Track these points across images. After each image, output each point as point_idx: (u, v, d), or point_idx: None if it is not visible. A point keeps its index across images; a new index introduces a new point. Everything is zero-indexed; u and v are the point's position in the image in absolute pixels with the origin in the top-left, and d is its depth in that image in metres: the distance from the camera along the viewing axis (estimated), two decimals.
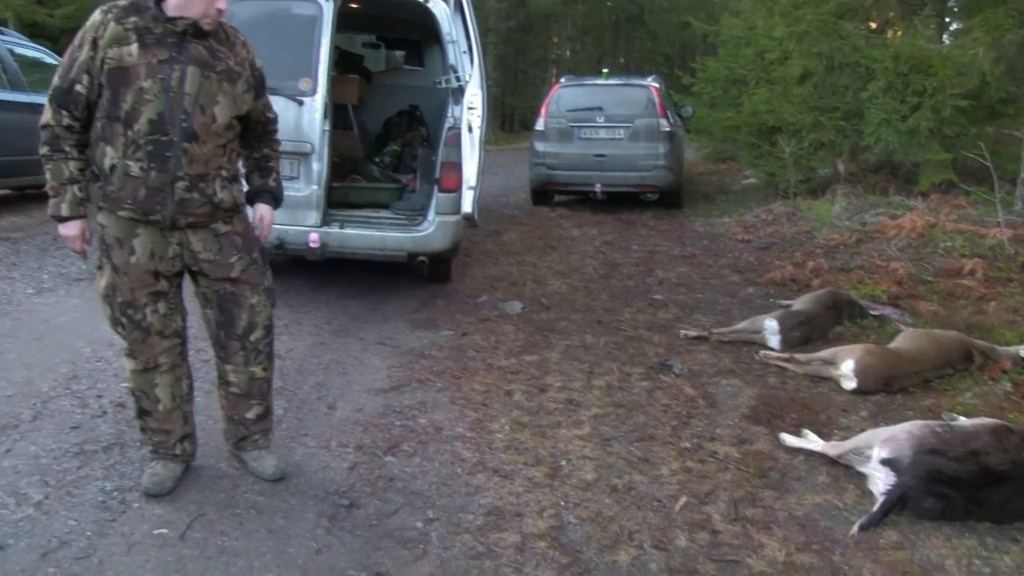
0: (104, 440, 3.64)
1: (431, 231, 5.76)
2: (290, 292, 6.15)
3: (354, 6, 6.45)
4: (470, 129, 5.24)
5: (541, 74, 38.24)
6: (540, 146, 11.32)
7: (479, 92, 5.26)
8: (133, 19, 2.78)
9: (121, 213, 2.88)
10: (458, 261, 6.96)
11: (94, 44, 2.77)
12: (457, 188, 5.78)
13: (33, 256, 7.00)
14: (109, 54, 2.75)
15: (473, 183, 5.18)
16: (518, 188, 13.28)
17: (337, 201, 6.07)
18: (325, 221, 5.68)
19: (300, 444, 3.73)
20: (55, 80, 2.86)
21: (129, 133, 2.79)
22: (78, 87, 2.81)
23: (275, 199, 3.34)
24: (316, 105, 5.59)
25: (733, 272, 7.73)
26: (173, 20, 2.79)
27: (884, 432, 3.52)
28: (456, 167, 5.74)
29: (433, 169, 5.89)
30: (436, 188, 5.77)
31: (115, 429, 3.76)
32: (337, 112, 6.52)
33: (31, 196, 9.32)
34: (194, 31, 2.82)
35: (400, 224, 5.92)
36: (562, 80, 12.19)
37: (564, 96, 11.55)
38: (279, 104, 5.53)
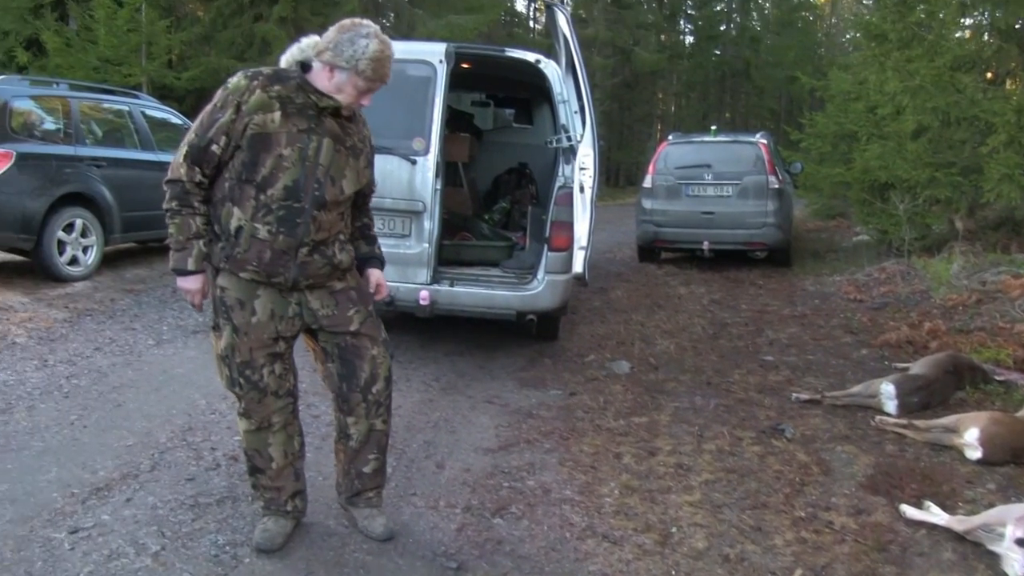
0: (217, 493, 3.72)
1: (540, 290, 5.76)
2: (399, 348, 6.22)
3: (465, 66, 6.58)
4: (582, 189, 5.25)
5: (646, 129, 38.30)
6: (647, 203, 11.27)
7: (591, 152, 5.28)
8: (277, 88, 2.89)
9: (243, 275, 2.97)
10: (565, 319, 6.93)
11: (237, 108, 2.86)
12: (567, 247, 5.78)
13: (153, 308, 7.29)
14: (254, 120, 2.85)
15: (584, 243, 5.18)
16: (624, 244, 13.23)
17: (447, 259, 6.15)
18: (435, 279, 5.75)
19: (408, 503, 3.73)
20: (191, 137, 2.93)
21: (262, 197, 2.89)
22: (214, 147, 2.89)
23: (381, 264, 3.46)
24: (429, 164, 5.69)
25: (846, 333, 7.48)
26: (320, 96, 2.90)
27: (1018, 509, 3.32)
28: (566, 226, 5.74)
29: (543, 228, 5.91)
30: (546, 247, 5.79)
31: (228, 482, 3.83)
32: (447, 170, 6.63)
33: (153, 249, 9.75)
34: (334, 110, 2.95)
35: (509, 283, 5.95)
36: (670, 137, 12.15)
37: (672, 153, 11.51)
38: (392, 163, 5.73)
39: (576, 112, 5.80)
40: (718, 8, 39.47)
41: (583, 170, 5.25)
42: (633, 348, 6.68)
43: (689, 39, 40.92)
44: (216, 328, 3.08)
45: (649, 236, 11.35)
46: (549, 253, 5.78)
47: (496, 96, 8.80)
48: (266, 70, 2.95)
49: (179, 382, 5.31)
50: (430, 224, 5.71)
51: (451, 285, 5.79)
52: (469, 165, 7.77)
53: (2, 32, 18.96)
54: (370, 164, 3.21)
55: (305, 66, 2.97)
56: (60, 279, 8.00)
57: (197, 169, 2.93)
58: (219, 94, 2.93)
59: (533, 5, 42.96)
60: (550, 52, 6.68)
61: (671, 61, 35.76)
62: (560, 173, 5.84)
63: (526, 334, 6.79)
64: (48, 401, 4.87)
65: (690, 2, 39.06)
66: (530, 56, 6.09)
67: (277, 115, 2.87)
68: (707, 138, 11.88)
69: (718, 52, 39.51)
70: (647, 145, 35.44)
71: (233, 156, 2.91)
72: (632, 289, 9.50)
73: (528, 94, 8.24)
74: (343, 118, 3.01)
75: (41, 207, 7.74)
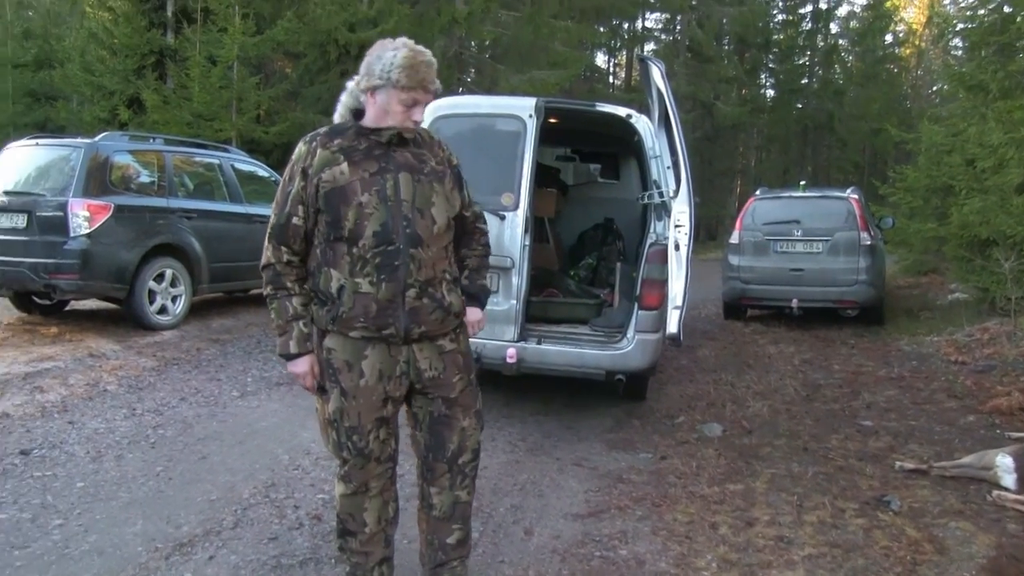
0: (300, 554, 3.64)
1: (630, 349, 5.60)
2: (484, 406, 6.08)
3: (553, 121, 6.53)
4: (676, 247, 5.10)
5: (728, 184, 37.93)
6: (734, 259, 11.03)
7: (687, 209, 5.13)
8: (337, 141, 2.85)
9: (352, 334, 2.87)
10: (653, 378, 6.74)
11: (304, 174, 2.84)
12: (658, 305, 5.62)
13: (238, 359, 7.33)
14: (323, 177, 2.80)
15: (679, 303, 5.01)
16: (708, 301, 12.96)
17: (534, 316, 6.04)
18: (523, 336, 5.64)
19: (496, 571, 3.59)
20: (272, 218, 2.91)
21: (355, 250, 2.80)
22: (295, 220, 2.86)
23: (481, 301, 3.28)
24: (518, 220, 5.62)
25: (949, 397, 7.10)
26: (378, 131, 2.84)
27: None
28: (658, 284, 5.59)
29: (633, 285, 5.77)
30: (636, 305, 5.64)
31: (311, 543, 3.75)
32: (533, 225, 6.55)
33: (239, 300, 9.89)
34: (397, 140, 2.86)
35: (599, 341, 5.80)
36: (757, 192, 11.91)
37: (760, 209, 11.26)
38: None
39: (669, 168, 5.67)
40: (800, 62, 39.05)
41: (678, 227, 5.11)
42: (724, 410, 6.44)
43: (770, 92, 40.60)
44: (323, 391, 2.97)
45: (736, 293, 11.09)
46: (640, 311, 5.63)
47: (581, 151, 8.73)
48: (323, 129, 2.93)
49: (263, 435, 5.28)
50: (518, 280, 5.62)
51: (539, 343, 5.67)
52: (555, 220, 7.68)
53: (108, 92, 19.85)
54: (459, 185, 3.07)
55: (358, 113, 2.92)
56: (150, 328, 8.15)
57: (284, 248, 2.90)
58: (286, 169, 2.93)
59: (613, 60, 43.22)
60: (639, 107, 6.58)
61: (752, 115, 35.44)
62: (652, 230, 5.71)
63: (613, 393, 6.61)
64: (135, 451, 4.89)
65: (771, 56, 38.81)
66: (621, 111, 6.01)
67: (344, 166, 2.82)
68: (796, 193, 11.61)
69: (800, 105, 39.01)
70: (728, 199, 35.12)
71: (316, 221, 2.87)
72: (720, 347, 9.26)
73: (615, 149, 8.15)
74: (413, 146, 2.93)
75: (134, 257, 7.93)
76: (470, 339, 3.20)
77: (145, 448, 4.95)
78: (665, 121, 5.67)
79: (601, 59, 40.36)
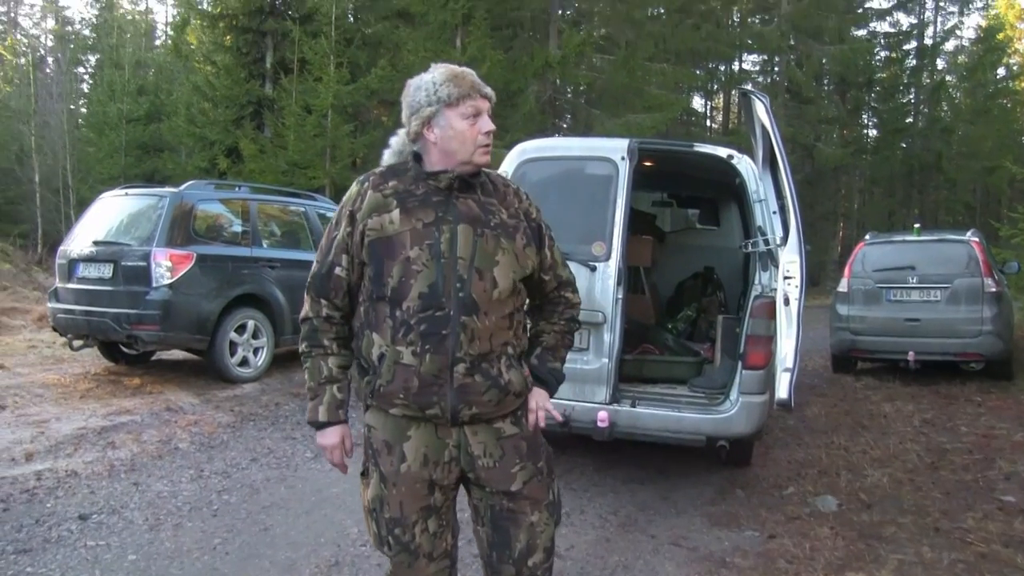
0: None
1: (734, 413, 5.07)
2: (572, 473, 5.64)
3: (648, 164, 6.11)
4: (786, 301, 4.55)
5: (830, 228, 36.65)
6: (843, 309, 10.30)
7: (797, 259, 4.58)
8: (392, 183, 2.46)
9: (393, 411, 2.45)
10: (758, 442, 6.14)
11: (351, 219, 2.46)
12: (764, 364, 5.09)
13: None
14: (369, 224, 2.41)
15: (790, 364, 4.44)
16: (814, 352, 12.20)
17: (628, 375, 5.55)
18: (615, 398, 5.16)
19: None
20: (313, 266, 2.54)
21: (398, 313, 2.38)
22: (337, 270, 2.48)
23: (540, 378, 2.67)
24: (610, 271, 5.18)
25: None
26: (435, 175, 2.43)
27: None
28: (764, 341, 5.06)
29: (737, 342, 5.25)
30: (740, 364, 5.11)
31: None
32: (627, 275, 6.11)
33: None
34: (459, 184, 2.44)
35: (699, 404, 5.28)
36: (867, 237, 11.15)
37: (870, 254, 10.52)
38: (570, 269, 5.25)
39: (775, 212, 5.16)
40: (905, 100, 37.69)
41: (788, 279, 4.56)
42: (839, 479, 5.79)
43: (873, 132, 39.31)
44: (364, 474, 2.58)
45: (845, 345, 10.33)
46: (744, 371, 5.10)
47: (678, 195, 8.25)
48: (380, 168, 2.55)
49: (331, 504, 4.91)
50: (610, 337, 5.16)
51: (633, 405, 5.18)
52: (651, 270, 7.20)
53: (209, 142, 20.36)
54: (535, 242, 2.55)
55: (419, 155, 2.51)
56: (230, 380, 7.98)
57: (324, 301, 2.51)
58: (336, 212, 2.56)
59: (710, 104, 42.60)
60: (740, 148, 6.09)
61: (854, 156, 34.28)
62: (757, 281, 5.20)
63: (714, 459, 6.04)
64: (196, 519, 4.59)
65: (874, 94, 37.60)
66: (721, 151, 5.55)
67: (395, 213, 2.41)
68: (910, 237, 10.82)
69: (904, 145, 37.57)
70: (831, 244, 33.89)
71: (362, 274, 2.47)
72: (829, 405, 8.55)
73: (714, 193, 7.65)
74: (481, 193, 2.49)
75: (216, 308, 7.78)
76: (541, 419, 2.65)
77: (206, 516, 4.64)
78: (771, 161, 5.16)
79: (698, 102, 39.82)
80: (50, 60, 36.38)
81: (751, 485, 5.67)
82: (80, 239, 8.26)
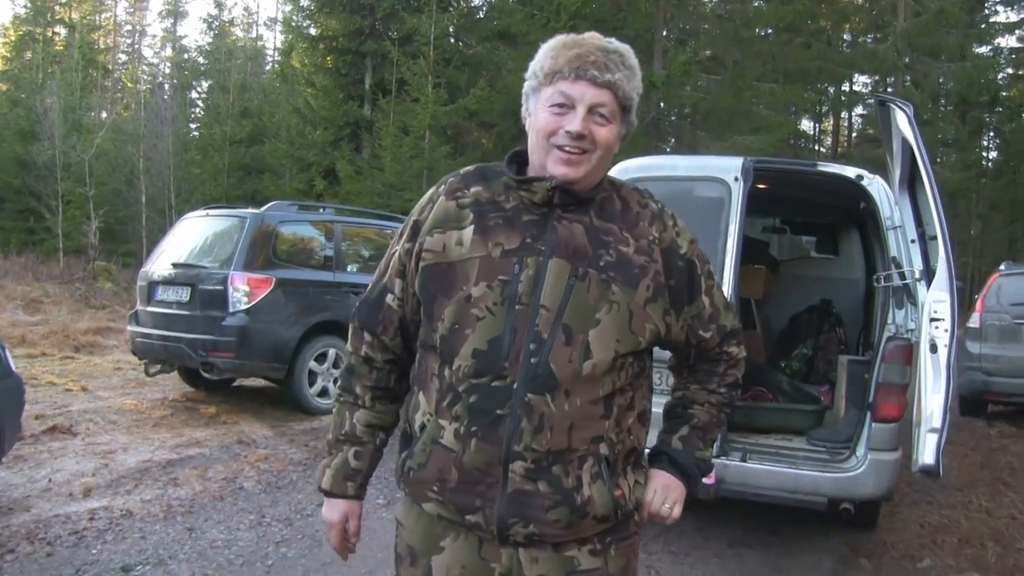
0: None
1: (861, 472, 4.37)
2: (671, 533, 4.98)
3: (761, 186, 5.47)
4: (933, 348, 3.84)
5: None
6: (974, 347, 9.32)
7: (946, 298, 3.85)
8: (476, 189, 1.77)
9: (426, 506, 1.76)
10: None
11: (414, 232, 1.79)
12: (898, 417, 4.38)
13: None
14: (428, 243, 1.74)
15: (938, 423, 3.71)
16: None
17: (737, 424, 4.89)
18: (723, 450, 4.52)
19: None
20: (366, 289, 1.93)
21: (446, 373, 1.70)
22: (388, 298, 1.83)
23: (681, 468, 1.88)
24: None
25: None
26: (528, 183, 1.71)
27: None
28: (899, 390, 4.36)
29: (864, 389, 4.55)
30: (869, 415, 4.42)
31: None
32: (739, 310, 5.48)
33: None
34: (564, 199, 1.71)
35: (820, 459, 4.59)
36: (1002, 268, 10.13)
37: (1006, 287, 9.50)
38: None
39: (913, 242, 4.46)
40: None
41: (935, 321, 3.85)
42: (985, 552, 4.97)
43: (994, 155, 37.27)
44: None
45: (977, 387, 9.34)
46: (874, 424, 4.40)
47: (792, 221, 7.55)
48: (469, 168, 1.86)
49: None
50: None
51: (743, 459, 4.54)
52: (762, 302, 6.51)
53: (307, 164, 20.46)
54: (667, 295, 1.76)
55: (522, 154, 1.80)
56: (308, 412, 7.63)
57: (367, 336, 1.86)
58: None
59: (818, 127, 41.17)
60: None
61: (974, 180, 32.49)
62: (890, 320, 4.51)
63: (832, 519, 5.31)
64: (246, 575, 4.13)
65: (996, 114, 35.64)
66: (849, 171, 4.89)
67: (468, 232, 1.71)
68: None
69: None
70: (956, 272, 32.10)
71: (419, 310, 1.80)
72: (961, 455, 7.64)
73: (831, 218, 6.94)
74: (593, 215, 1.74)
75: (295, 335, 7.45)
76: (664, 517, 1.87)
77: (258, 573, 4.17)
78: (909, 182, 4.47)
79: (807, 125, 38.52)
80: (166, 86, 37.58)
81: (878, 553, 4.93)
82: (161, 261, 8.05)
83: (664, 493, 1.85)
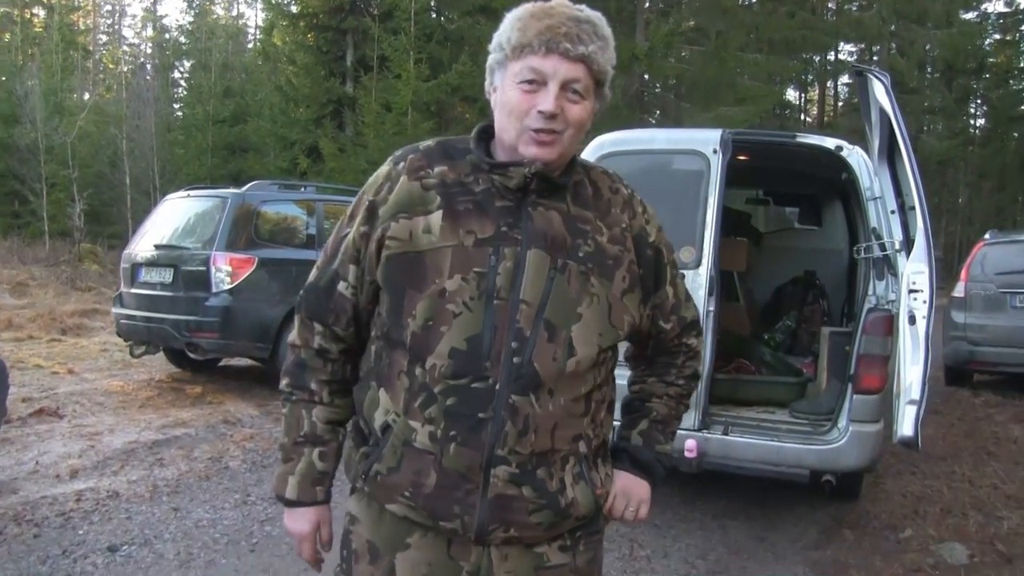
0: None
1: (843, 443, 4.38)
2: (655, 506, 4.95)
3: (742, 158, 5.45)
4: (912, 320, 3.83)
5: (935, 224, 35.00)
6: (959, 316, 9.34)
7: (924, 269, 3.83)
8: (440, 169, 1.61)
9: (391, 507, 1.62)
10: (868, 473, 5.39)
11: (370, 214, 1.62)
12: (879, 388, 4.39)
13: None
14: (393, 230, 1.57)
15: (917, 395, 3.71)
16: None
17: (719, 396, 4.89)
18: (705, 424, 4.53)
19: None
20: (311, 275, 1.73)
21: (417, 371, 1.56)
22: (341, 286, 1.65)
23: (642, 465, 1.82)
24: (700, 279, 4.55)
25: None
26: (503, 168, 1.58)
27: None
28: (880, 361, 4.37)
29: (845, 361, 4.55)
30: (851, 387, 4.42)
31: None
32: (720, 280, 5.46)
33: None
34: (540, 184, 1.58)
35: (802, 432, 4.60)
36: (987, 236, 10.11)
37: (991, 256, 9.49)
38: None
39: (893, 212, 4.44)
40: (1019, 87, 35.55)
41: (914, 293, 3.84)
42: (967, 521, 4.98)
43: (982, 122, 37.30)
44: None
45: (962, 356, 9.36)
46: (855, 395, 4.41)
47: (775, 192, 7.52)
48: (426, 143, 1.69)
49: None
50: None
51: (725, 432, 4.54)
52: (745, 274, 6.49)
53: (290, 142, 20.30)
54: (650, 280, 1.71)
55: (488, 130, 1.66)
56: None
57: (318, 327, 1.68)
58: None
59: (804, 96, 41.09)
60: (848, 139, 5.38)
61: (961, 148, 32.54)
62: (871, 291, 4.50)
63: (817, 490, 5.32)
64: (231, 554, 4.16)
65: (983, 81, 35.64)
66: (829, 142, 4.86)
67: (436, 217, 1.56)
68: None
69: (1017, 135, 35.49)
70: (935, 242, 32.27)
71: (376, 299, 1.66)
72: (946, 425, 7.67)
73: (815, 189, 6.91)
74: (569, 200, 1.63)
75: (278, 315, 7.42)
76: (632, 517, 1.83)
77: (243, 551, 4.17)
78: (888, 153, 4.44)
79: (792, 95, 38.42)
80: (148, 67, 37.22)
81: (861, 525, 4.95)
82: (143, 242, 8.00)
83: (625, 497, 1.78)
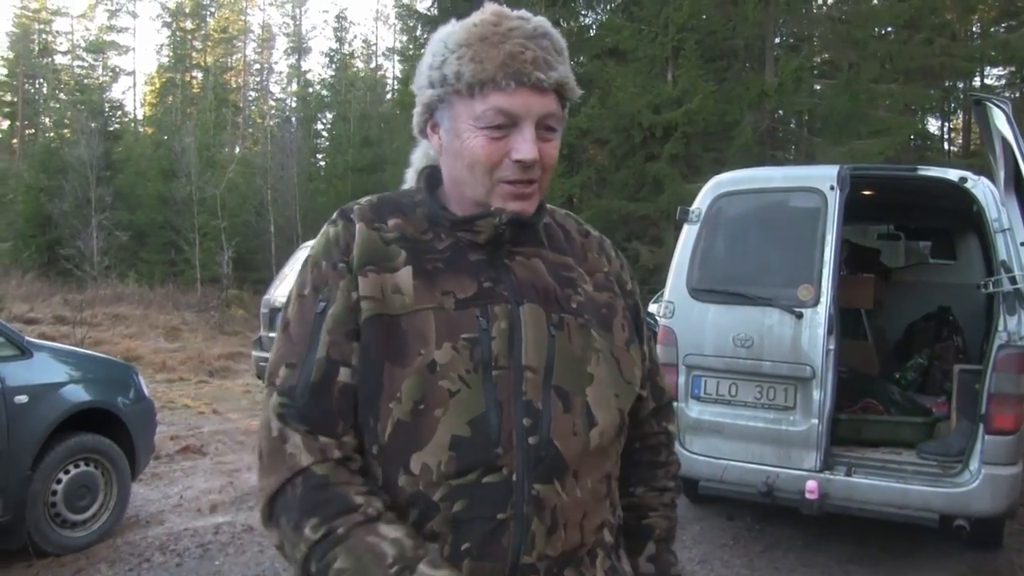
0: None
1: (975, 487, 4.21)
2: (778, 549, 4.91)
3: (867, 193, 5.37)
4: None
5: None
6: None
7: None
8: (394, 221, 1.30)
9: None
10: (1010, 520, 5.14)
11: (347, 275, 1.25)
12: (1014, 429, 4.22)
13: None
14: (362, 287, 1.23)
15: None
16: None
17: (843, 437, 4.78)
18: (827, 464, 4.44)
19: None
20: (280, 376, 1.23)
21: (401, 480, 1.19)
22: (344, 375, 1.22)
23: None
24: (819, 318, 4.50)
25: None
26: (470, 224, 1.28)
27: None
28: (1012, 400, 4.21)
29: (976, 400, 4.39)
30: (982, 427, 4.26)
31: None
32: (847, 318, 5.36)
33: None
34: (512, 232, 1.29)
35: (929, 474, 4.45)
36: None
37: None
38: (772, 317, 4.61)
39: (1023, 244, 4.29)
40: None
41: None
42: None
43: None
44: None
45: None
46: (987, 436, 4.24)
47: (907, 227, 7.33)
48: (369, 198, 1.37)
49: None
50: (820, 394, 4.45)
51: (848, 474, 4.44)
52: (875, 312, 6.33)
53: None
54: (639, 332, 1.44)
55: (435, 176, 1.37)
56: None
57: (325, 439, 1.20)
58: (301, 272, 1.32)
59: (947, 125, 39.47)
60: (979, 170, 5.22)
61: None
62: (1002, 327, 4.33)
63: (950, 538, 5.09)
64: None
65: None
66: (952, 174, 4.75)
67: (405, 276, 1.24)
68: None
69: None
70: None
71: None
72: None
73: (948, 222, 6.71)
74: (546, 247, 1.36)
75: None
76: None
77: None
78: (1015, 182, 4.31)
79: (934, 124, 36.96)
80: (292, 120, 39.18)
81: (1002, 575, 4.72)
82: (282, 288, 8.43)
83: None
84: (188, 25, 46.89)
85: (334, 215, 1.34)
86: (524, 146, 1.22)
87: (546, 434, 1.21)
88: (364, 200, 1.35)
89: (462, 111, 1.24)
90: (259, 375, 8.60)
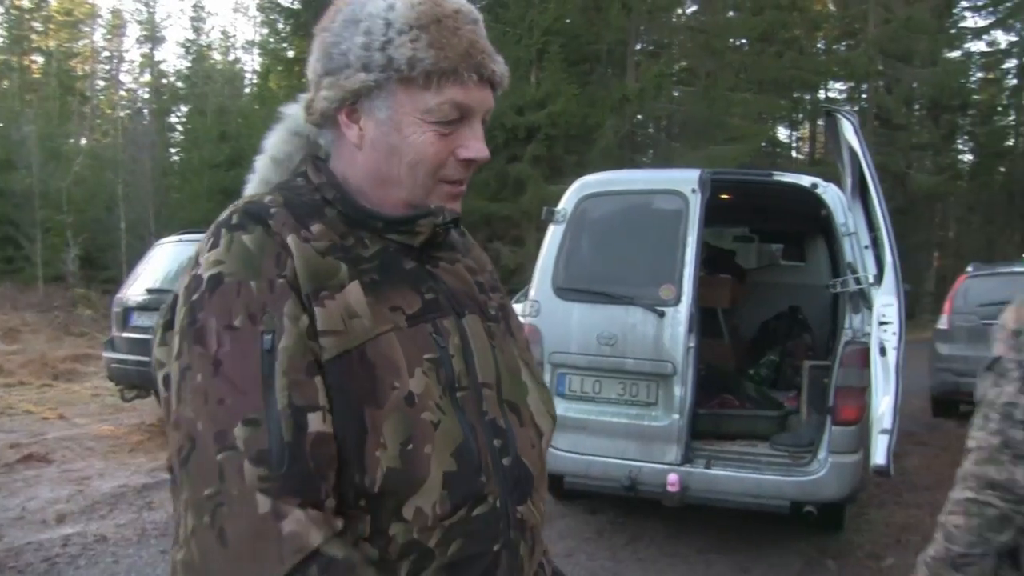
0: None
1: (822, 475, 4.47)
2: (640, 541, 5.08)
3: (725, 197, 5.59)
4: (883, 351, 3.96)
5: (924, 259, 35.10)
6: (944, 348, 9.46)
7: (894, 301, 3.98)
8: (317, 228, 1.09)
9: None
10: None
11: (297, 303, 1.02)
12: (857, 420, 4.49)
13: None
14: (320, 319, 1.02)
15: (888, 424, 3.83)
16: (911, 394, 11.23)
17: (703, 431, 4.98)
18: (687, 458, 4.62)
19: None
20: (241, 439, 0.94)
21: (393, 530, 1.03)
22: (314, 420, 0.97)
23: None
24: (680, 317, 4.66)
25: None
26: (407, 224, 1.14)
27: None
28: (857, 393, 4.47)
29: (824, 394, 4.65)
30: (829, 419, 4.52)
31: None
32: (704, 317, 5.57)
33: None
34: (438, 237, 1.20)
35: (782, 464, 4.69)
36: (969, 269, 10.24)
37: (973, 288, 9.61)
38: (636, 315, 4.75)
39: (867, 247, 4.58)
40: (1004, 122, 35.95)
41: (884, 324, 3.97)
42: None
43: (969, 157, 37.63)
44: None
45: (947, 387, 9.45)
46: (834, 427, 4.51)
47: (761, 230, 7.68)
48: (271, 196, 1.11)
49: None
50: (681, 390, 4.62)
51: (707, 466, 4.63)
52: (731, 311, 6.62)
53: None
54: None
55: (322, 163, 1.20)
56: None
57: (314, 511, 0.95)
58: (213, 297, 1.00)
59: (795, 134, 41.49)
60: (827, 177, 5.53)
61: (949, 183, 32.82)
62: (848, 325, 4.61)
63: (800, 522, 5.39)
64: None
65: (969, 117, 36.02)
66: (804, 180, 5.01)
67: (355, 292, 1.06)
68: (1018, 268, 9.90)
69: (1003, 169, 35.86)
70: (925, 276, 32.43)
71: None
72: (931, 456, 7.77)
73: (799, 226, 7.06)
74: (456, 250, 1.27)
75: None
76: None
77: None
78: (861, 190, 4.59)
79: (783, 133, 38.83)
80: (145, 112, 37.54)
81: (844, 554, 5.03)
82: (136, 287, 8.11)
83: None
84: (25, 3, 44.19)
85: (233, 218, 1.06)
86: (477, 144, 1.12)
87: (515, 453, 1.14)
88: (266, 199, 1.09)
89: (407, 102, 1.09)
90: (111, 377, 8.21)
